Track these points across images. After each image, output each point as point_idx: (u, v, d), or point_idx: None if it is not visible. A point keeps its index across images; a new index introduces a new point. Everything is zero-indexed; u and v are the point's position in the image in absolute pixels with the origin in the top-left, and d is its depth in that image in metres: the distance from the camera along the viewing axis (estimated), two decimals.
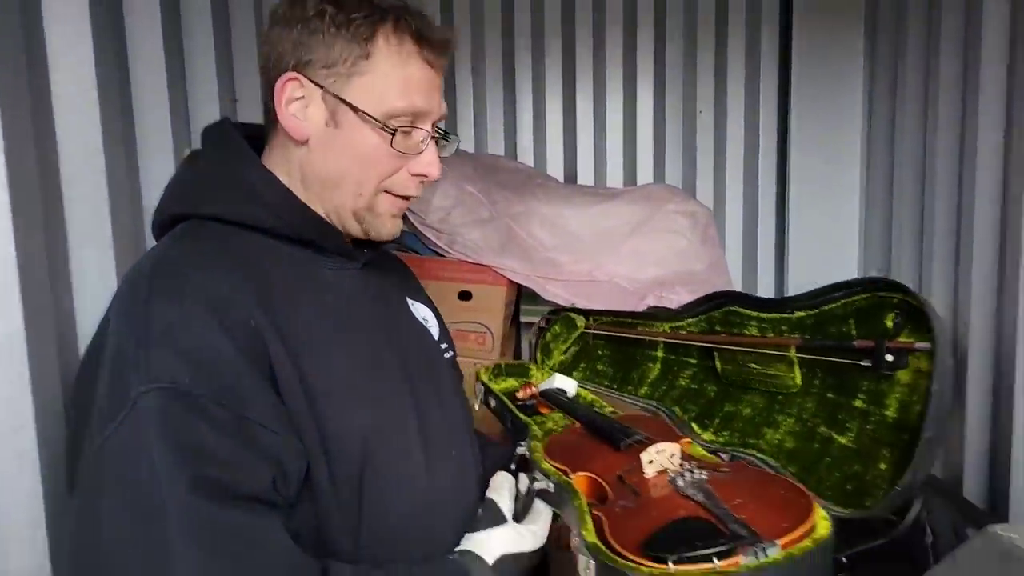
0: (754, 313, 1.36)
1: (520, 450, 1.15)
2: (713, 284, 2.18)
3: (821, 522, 0.82)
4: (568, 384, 1.46)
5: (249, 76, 1.70)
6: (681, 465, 0.99)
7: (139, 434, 0.73)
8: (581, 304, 1.87)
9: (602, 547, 0.82)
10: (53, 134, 1.01)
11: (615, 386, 1.63)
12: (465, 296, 2.02)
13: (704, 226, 2.25)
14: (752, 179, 2.65)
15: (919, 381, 1.10)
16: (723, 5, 2.62)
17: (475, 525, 0.92)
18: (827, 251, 2.60)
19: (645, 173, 2.65)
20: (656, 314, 1.61)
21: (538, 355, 1.74)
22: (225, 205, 0.90)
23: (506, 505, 0.94)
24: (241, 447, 0.75)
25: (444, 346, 1.12)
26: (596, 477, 1.02)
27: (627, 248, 2.18)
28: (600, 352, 1.72)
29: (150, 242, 1.22)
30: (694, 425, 1.43)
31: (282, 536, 0.76)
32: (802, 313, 1.28)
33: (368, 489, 0.87)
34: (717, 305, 1.45)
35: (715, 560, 0.74)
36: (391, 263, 1.17)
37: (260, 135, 0.97)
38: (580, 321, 1.72)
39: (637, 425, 1.18)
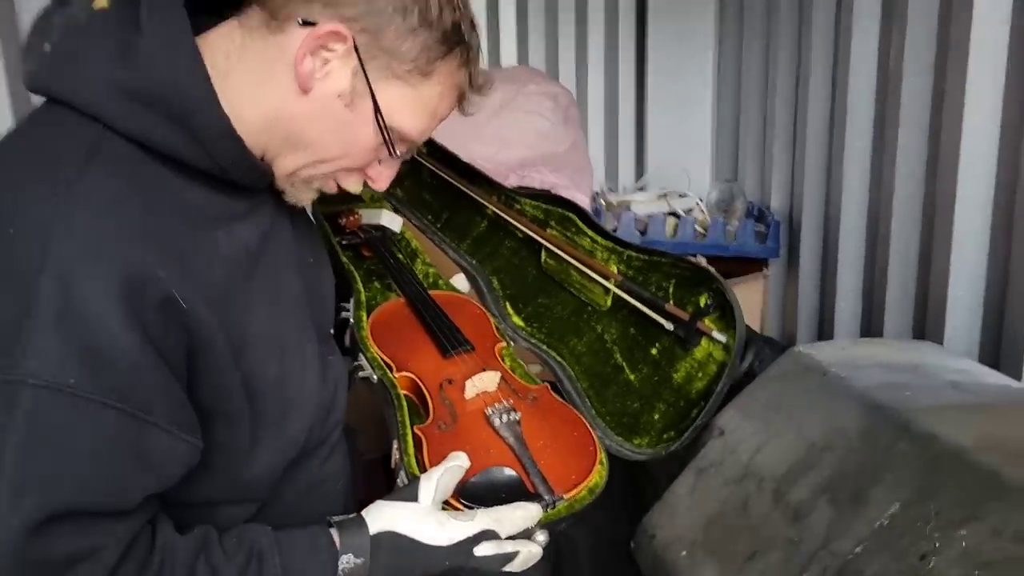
0: (590, 232, 1.40)
1: (345, 313, 1.19)
2: (574, 164, 2.25)
3: (598, 470, 0.99)
4: (394, 222, 1.45)
5: None
6: (499, 391, 1.10)
7: None
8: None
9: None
10: None
11: (439, 226, 1.61)
12: None
13: (565, 107, 2.30)
14: (613, 63, 2.71)
15: (709, 364, 1.19)
16: None
17: (390, 496, 0.86)
18: (683, 131, 2.74)
19: (509, 56, 2.65)
20: (492, 181, 1.55)
21: None
22: (152, 129, 0.72)
23: (428, 487, 0.85)
24: (123, 459, 0.67)
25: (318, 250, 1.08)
26: (419, 383, 1.11)
27: (490, 130, 2.20)
28: (430, 181, 1.65)
29: None
30: (508, 305, 1.47)
31: (102, 545, 0.67)
32: (634, 253, 1.32)
33: (268, 411, 0.83)
34: (560, 205, 1.46)
35: None
36: None
37: None
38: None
39: (458, 315, 1.25)
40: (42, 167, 0.69)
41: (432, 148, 1.62)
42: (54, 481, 0.64)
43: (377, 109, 0.78)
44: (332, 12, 0.73)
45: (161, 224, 0.71)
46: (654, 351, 1.26)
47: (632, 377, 1.27)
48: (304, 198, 0.86)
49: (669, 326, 1.23)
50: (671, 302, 1.25)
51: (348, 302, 1.24)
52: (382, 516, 0.82)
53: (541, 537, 0.87)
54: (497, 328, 1.28)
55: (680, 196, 2.41)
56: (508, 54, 2.65)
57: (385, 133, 0.79)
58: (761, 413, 1.12)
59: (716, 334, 1.18)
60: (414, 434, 1.01)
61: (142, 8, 0.72)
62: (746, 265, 2.43)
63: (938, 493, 0.81)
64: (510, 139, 2.22)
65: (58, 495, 0.63)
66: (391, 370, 1.12)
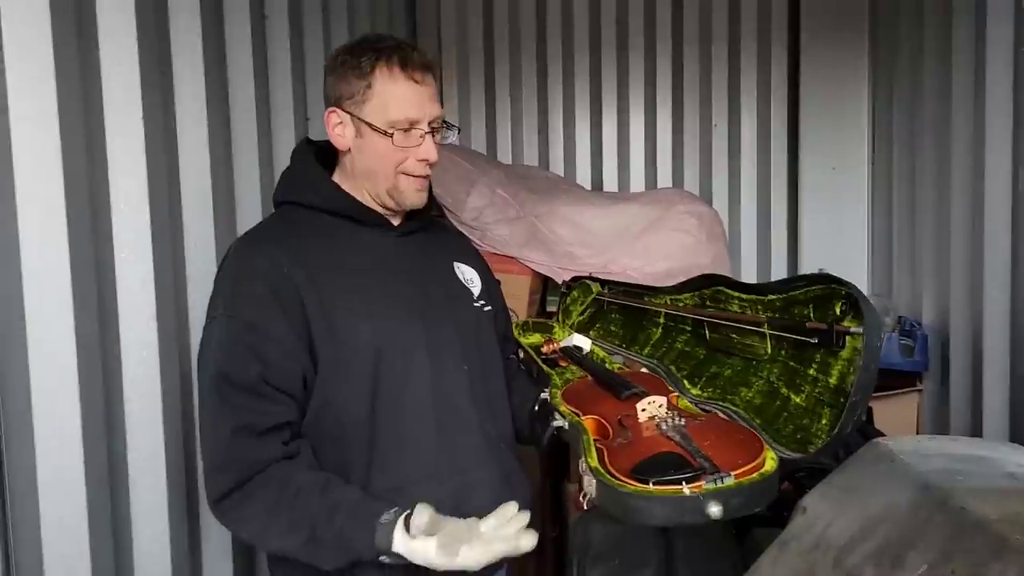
0: (736, 293, 1.58)
1: (543, 395, 1.48)
2: None
3: (769, 461, 1.05)
4: (584, 342, 1.74)
5: (319, 102, 2.09)
6: (667, 413, 1.24)
7: (211, 335, 1.22)
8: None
9: (602, 470, 1.06)
10: (176, 149, 1.47)
11: (624, 345, 1.87)
12: None
13: (710, 225, 2.52)
14: (764, 184, 2.92)
15: (855, 357, 1.27)
16: (735, 27, 2.91)
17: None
18: (836, 248, 2.84)
19: (665, 181, 2.95)
20: (658, 289, 1.82)
21: (560, 316, 2.01)
22: (298, 195, 1.34)
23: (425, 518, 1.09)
24: (244, 351, 1.18)
25: (482, 301, 1.44)
26: (601, 419, 1.28)
27: (640, 244, 2.48)
28: (613, 315, 1.95)
29: (241, 220, 1.64)
30: (685, 382, 1.64)
31: (251, 410, 1.17)
32: (773, 296, 1.49)
33: (383, 378, 1.24)
34: (708, 284, 1.67)
35: (684, 484, 0.97)
36: (443, 235, 1.53)
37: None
38: (595, 287, 1.99)
39: (636, 378, 1.45)
40: (254, 228, 1.37)
41: (609, 284, 1.97)
42: (217, 359, 1.20)
43: (368, 124, 1.26)
44: (327, 106, 1.30)
45: (297, 240, 1.28)
46: (811, 371, 1.37)
47: (798, 399, 1.38)
48: (408, 198, 1.32)
49: (814, 340, 1.33)
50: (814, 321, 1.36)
51: (546, 389, 1.53)
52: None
53: (715, 509, 0.94)
54: (671, 388, 1.47)
55: None
56: (664, 177, 2.96)
57: (382, 130, 1.26)
58: (837, 494, 1.25)
59: (853, 328, 1.26)
60: (596, 448, 1.15)
61: (293, 155, 1.41)
62: (898, 379, 2.46)
63: (956, 555, 0.93)
64: (658, 252, 2.47)
65: (218, 367, 1.19)
66: (578, 415, 1.34)
